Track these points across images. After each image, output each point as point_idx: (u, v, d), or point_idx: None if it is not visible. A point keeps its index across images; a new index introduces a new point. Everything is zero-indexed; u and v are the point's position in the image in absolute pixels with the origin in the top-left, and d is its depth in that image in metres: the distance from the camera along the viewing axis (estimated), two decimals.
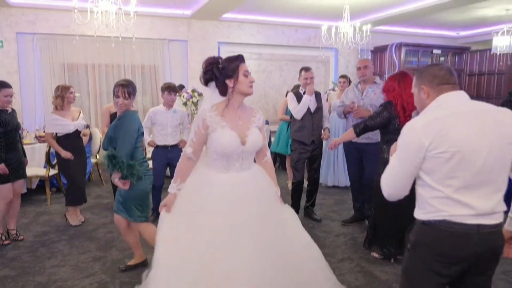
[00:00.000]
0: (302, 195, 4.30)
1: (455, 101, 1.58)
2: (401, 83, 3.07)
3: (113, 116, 4.47)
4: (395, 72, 3.42)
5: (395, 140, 3.10)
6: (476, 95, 9.25)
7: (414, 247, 1.63)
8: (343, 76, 5.54)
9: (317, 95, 4.12)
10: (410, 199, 3.06)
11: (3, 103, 3.44)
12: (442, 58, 9.23)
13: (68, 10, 6.32)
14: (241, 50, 7.97)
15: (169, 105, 4.21)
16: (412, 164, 1.54)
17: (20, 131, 3.83)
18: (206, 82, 2.15)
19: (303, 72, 4.08)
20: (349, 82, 5.48)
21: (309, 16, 7.69)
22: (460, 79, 9.27)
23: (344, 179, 5.52)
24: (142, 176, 2.81)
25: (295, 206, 4.18)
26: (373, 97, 3.78)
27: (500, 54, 7.67)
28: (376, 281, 2.89)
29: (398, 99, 3.06)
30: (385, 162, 3.05)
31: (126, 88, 2.84)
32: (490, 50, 8.31)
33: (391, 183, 1.61)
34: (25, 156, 3.82)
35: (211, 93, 2.15)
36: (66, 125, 4.03)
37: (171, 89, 4.18)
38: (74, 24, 6.29)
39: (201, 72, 2.14)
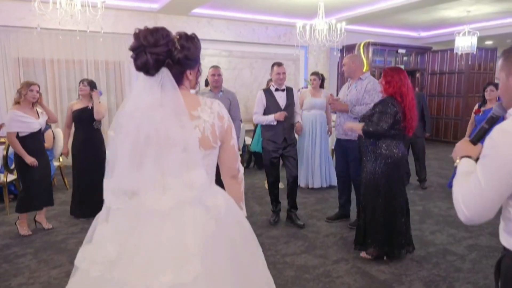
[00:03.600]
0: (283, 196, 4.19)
1: None
2: (401, 76, 3.03)
3: (75, 114, 4.13)
4: (390, 66, 3.38)
5: (397, 135, 3.06)
6: (437, 94, 9.66)
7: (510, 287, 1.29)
8: (314, 73, 5.35)
9: (289, 91, 4.01)
10: (398, 192, 3.10)
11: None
12: (405, 58, 9.54)
13: (23, 0, 5.80)
14: (211, 47, 7.75)
15: None
16: (507, 182, 1.15)
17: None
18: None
19: (275, 67, 3.95)
20: (321, 79, 5.39)
21: (279, 14, 7.61)
22: (422, 78, 9.64)
23: (319, 181, 5.38)
24: None
25: (275, 205, 4.08)
26: (354, 93, 3.75)
27: (460, 54, 8.03)
28: (375, 281, 2.83)
29: (397, 91, 3.01)
30: (385, 157, 3.03)
31: None
32: (450, 50, 8.70)
33: (472, 205, 1.20)
34: None
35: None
36: (30, 123, 3.62)
37: None
38: (30, 15, 5.80)
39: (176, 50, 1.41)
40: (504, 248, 1.27)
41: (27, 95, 3.64)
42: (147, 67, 1.37)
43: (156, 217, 1.36)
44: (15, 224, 3.85)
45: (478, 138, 1.41)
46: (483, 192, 1.17)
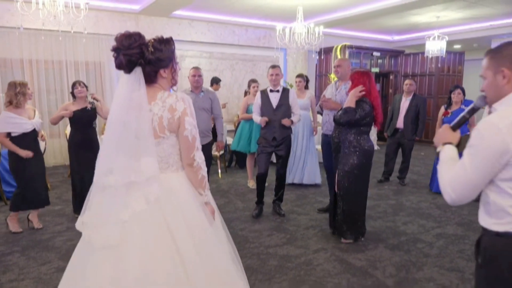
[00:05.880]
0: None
1: None
2: (370, 82, 3.32)
3: (76, 114, 4.12)
4: (360, 69, 3.59)
5: (369, 130, 3.35)
6: None
7: (488, 262, 1.38)
8: (300, 76, 5.58)
9: (284, 92, 4.22)
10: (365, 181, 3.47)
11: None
12: (380, 61, 9.92)
13: (1, 0, 5.76)
14: (192, 48, 7.86)
15: None
16: (490, 170, 1.30)
17: None
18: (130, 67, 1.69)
19: (270, 69, 4.21)
20: (305, 81, 5.60)
21: (259, 17, 7.80)
22: (396, 80, 10.05)
23: (300, 177, 5.61)
24: None
25: (258, 199, 4.30)
26: (343, 94, 3.95)
27: (430, 57, 8.45)
28: (352, 267, 3.04)
29: (368, 95, 3.28)
30: (365, 150, 3.32)
31: None
32: (421, 53, 9.12)
33: (459, 188, 1.34)
34: None
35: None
36: (22, 123, 3.68)
37: None
38: (8, 15, 5.78)
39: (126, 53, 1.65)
40: (483, 228, 1.41)
41: (27, 95, 3.73)
42: (122, 66, 1.66)
43: (103, 190, 1.70)
44: (5, 220, 3.88)
45: (458, 126, 1.55)
46: (469, 177, 1.32)
